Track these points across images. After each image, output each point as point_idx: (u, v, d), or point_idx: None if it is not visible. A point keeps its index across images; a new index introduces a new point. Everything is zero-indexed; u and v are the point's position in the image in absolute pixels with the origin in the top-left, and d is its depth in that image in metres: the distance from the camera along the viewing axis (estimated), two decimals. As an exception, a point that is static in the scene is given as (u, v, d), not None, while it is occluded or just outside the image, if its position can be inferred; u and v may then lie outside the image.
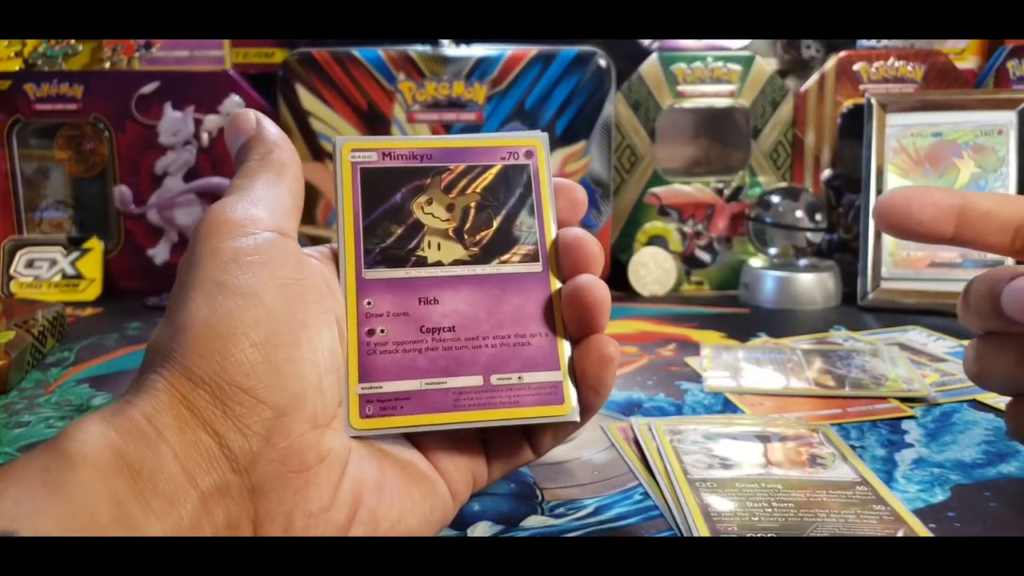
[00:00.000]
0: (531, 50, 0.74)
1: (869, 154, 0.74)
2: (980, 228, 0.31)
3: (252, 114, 0.32)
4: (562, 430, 0.33)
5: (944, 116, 0.73)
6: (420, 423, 0.30)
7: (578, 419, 0.31)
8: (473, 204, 0.33)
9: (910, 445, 0.41)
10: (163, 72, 0.79)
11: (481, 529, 0.33)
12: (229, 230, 0.27)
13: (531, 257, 0.33)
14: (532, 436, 0.33)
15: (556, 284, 0.32)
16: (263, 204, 0.29)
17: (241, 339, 0.25)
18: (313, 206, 0.76)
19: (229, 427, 0.25)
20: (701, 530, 0.32)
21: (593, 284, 0.31)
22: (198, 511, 0.24)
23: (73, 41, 0.81)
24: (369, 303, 0.31)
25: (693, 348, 0.59)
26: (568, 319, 0.32)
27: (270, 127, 0.32)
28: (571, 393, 0.31)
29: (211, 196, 0.79)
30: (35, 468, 0.22)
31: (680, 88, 0.79)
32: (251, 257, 0.27)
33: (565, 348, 0.32)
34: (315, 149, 0.75)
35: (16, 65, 0.80)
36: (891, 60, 0.79)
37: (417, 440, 0.31)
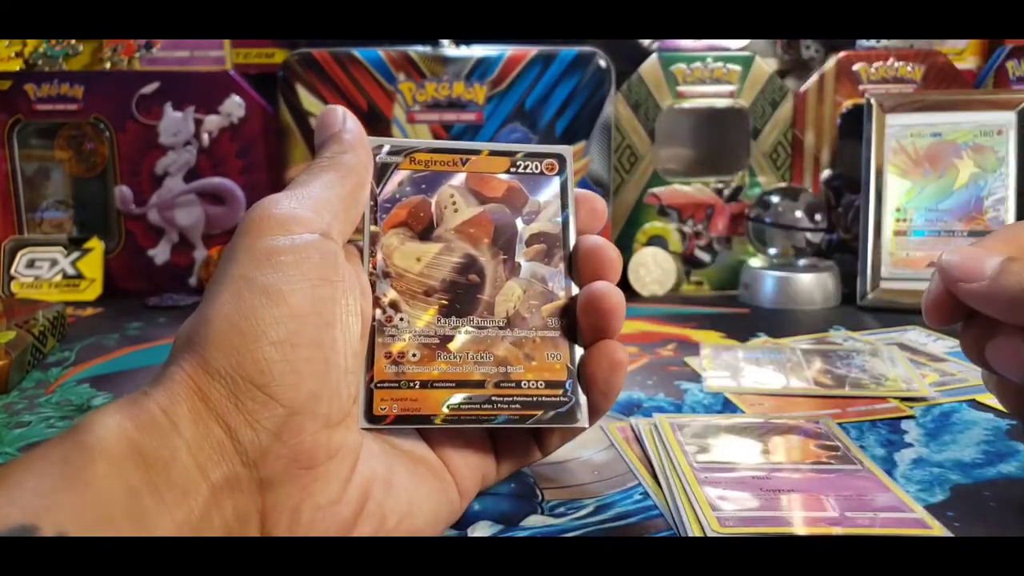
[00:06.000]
0: (531, 50, 0.74)
1: (868, 154, 0.74)
2: None
3: (340, 113, 0.32)
4: (570, 432, 0.34)
5: (943, 116, 0.73)
6: None
7: (587, 425, 0.32)
8: None
9: (910, 445, 0.41)
10: (163, 72, 0.79)
11: (481, 529, 0.33)
12: (269, 227, 0.27)
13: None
14: (540, 436, 0.34)
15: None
16: (312, 204, 0.29)
17: (260, 337, 0.25)
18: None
19: (240, 421, 0.25)
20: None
21: (610, 291, 0.32)
22: (208, 503, 0.24)
23: (74, 41, 0.81)
24: None
25: (693, 348, 0.59)
26: (582, 323, 0.32)
27: (352, 127, 0.32)
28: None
29: (211, 196, 0.79)
30: (54, 460, 0.23)
31: (680, 88, 0.79)
32: (285, 256, 0.27)
33: (576, 352, 0.32)
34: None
35: (17, 65, 0.80)
36: (891, 60, 0.79)
37: (428, 437, 0.32)
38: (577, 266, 0.33)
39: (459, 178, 0.34)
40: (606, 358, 0.32)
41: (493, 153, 0.35)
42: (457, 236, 0.33)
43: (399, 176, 0.34)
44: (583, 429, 0.32)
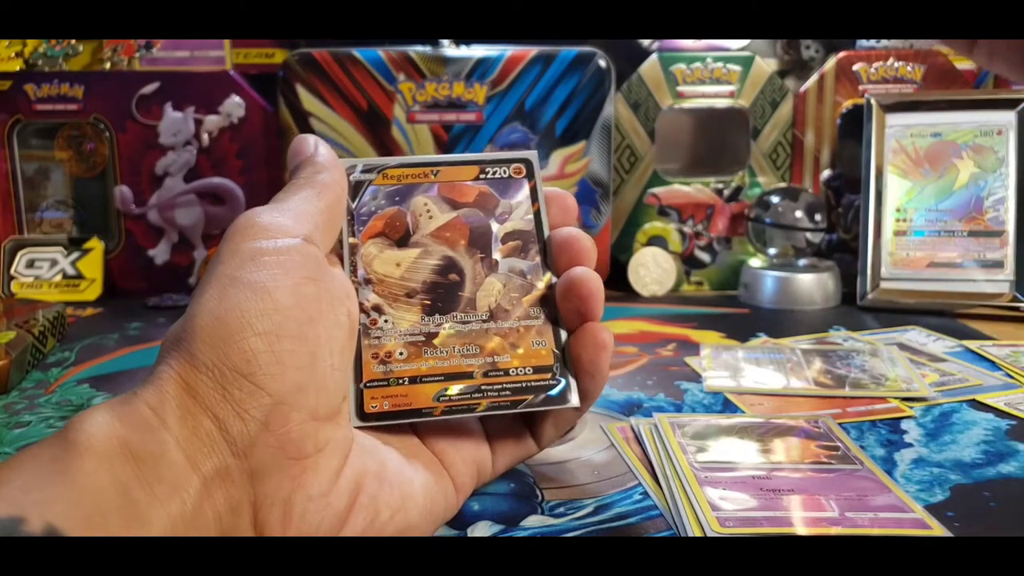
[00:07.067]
0: (531, 50, 0.74)
1: (869, 154, 0.74)
2: None
3: (312, 140, 0.34)
4: (562, 420, 0.34)
5: (943, 116, 0.73)
6: None
7: (578, 403, 0.32)
8: None
9: (909, 445, 0.41)
10: (163, 72, 0.79)
11: (481, 529, 0.33)
12: (254, 232, 0.28)
13: None
14: (534, 427, 0.34)
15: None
16: (293, 214, 0.30)
17: (246, 328, 0.26)
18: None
19: (228, 411, 0.25)
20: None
21: (587, 275, 0.33)
22: (200, 495, 0.24)
23: (74, 41, 0.81)
24: None
25: (693, 348, 0.59)
26: (564, 310, 0.33)
27: (324, 151, 0.33)
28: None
29: (211, 196, 0.79)
30: (43, 457, 0.23)
31: (680, 88, 0.79)
32: (269, 257, 0.28)
33: (561, 336, 0.33)
34: (315, 149, 0.75)
35: (17, 65, 0.80)
36: (890, 60, 0.79)
37: (421, 432, 0.32)
38: (553, 256, 0.34)
39: (431, 188, 0.35)
40: (590, 339, 0.32)
41: (462, 163, 0.36)
42: (434, 240, 0.34)
43: (373, 192, 0.35)
44: (576, 409, 0.33)
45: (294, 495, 0.26)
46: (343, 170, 0.34)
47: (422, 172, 0.36)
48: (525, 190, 0.36)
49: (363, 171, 0.35)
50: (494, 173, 0.36)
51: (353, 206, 0.34)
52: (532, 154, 0.37)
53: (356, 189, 0.35)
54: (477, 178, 0.36)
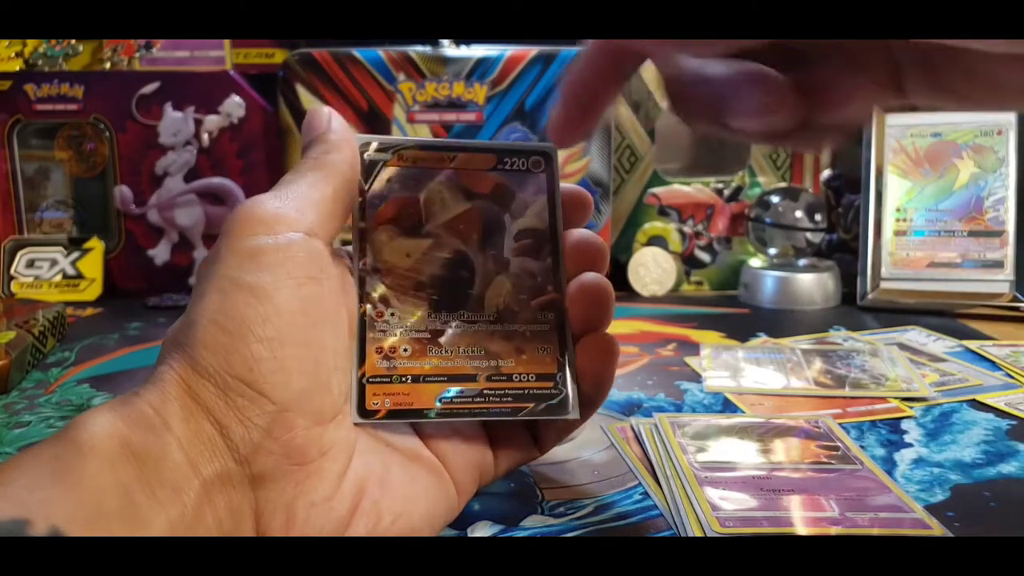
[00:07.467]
0: (531, 50, 0.74)
1: (869, 154, 0.74)
2: None
3: (326, 113, 0.32)
4: (564, 428, 0.34)
5: (943, 116, 0.73)
6: None
7: (578, 416, 0.32)
8: None
9: (910, 445, 0.41)
10: (163, 72, 0.79)
11: (481, 529, 0.33)
12: (253, 227, 0.27)
13: None
14: (537, 433, 0.34)
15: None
16: (297, 203, 0.29)
17: (247, 335, 0.26)
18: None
19: (231, 418, 0.25)
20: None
21: (598, 282, 0.32)
22: (201, 498, 0.24)
23: (73, 41, 0.81)
24: None
25: (693, 348, 0.59)
26: (572, 316, 0.33)
27: (337, 126, 0.32)
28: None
29: (211, 196, 0.79)
30: (46, 457, 0.23)
31: (680, 88, 0.79)
32: (269, 256, 0.27)
33: (566, 344, 0.32)
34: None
35: (17, 65, 0.80)
36: (891, 60, 0.79)
37: (423, 434, 0.32)
38: (565, 260, 0.34)
39: (447, 175, 0.34)
40: (596, 349, 0.32)
41: (480, 150, 0.35)
42: (446, 232, 0.33)
43: (387, 173, 0.34)
44: (575, 420, 0.32)
45: (296, 501, 0.26)
46: (356, 148, 0.32)
47: (438, 157, 0.34)
48: (542, 185, 0.35)
49: (377, 150, 0.34)
50: (512, 164, 0.35)
51: (365, 187, 0.33)
52: (552, 147, 0.35)
53: (369, 170, 0.33)
54: (495, 168, 0.35)
